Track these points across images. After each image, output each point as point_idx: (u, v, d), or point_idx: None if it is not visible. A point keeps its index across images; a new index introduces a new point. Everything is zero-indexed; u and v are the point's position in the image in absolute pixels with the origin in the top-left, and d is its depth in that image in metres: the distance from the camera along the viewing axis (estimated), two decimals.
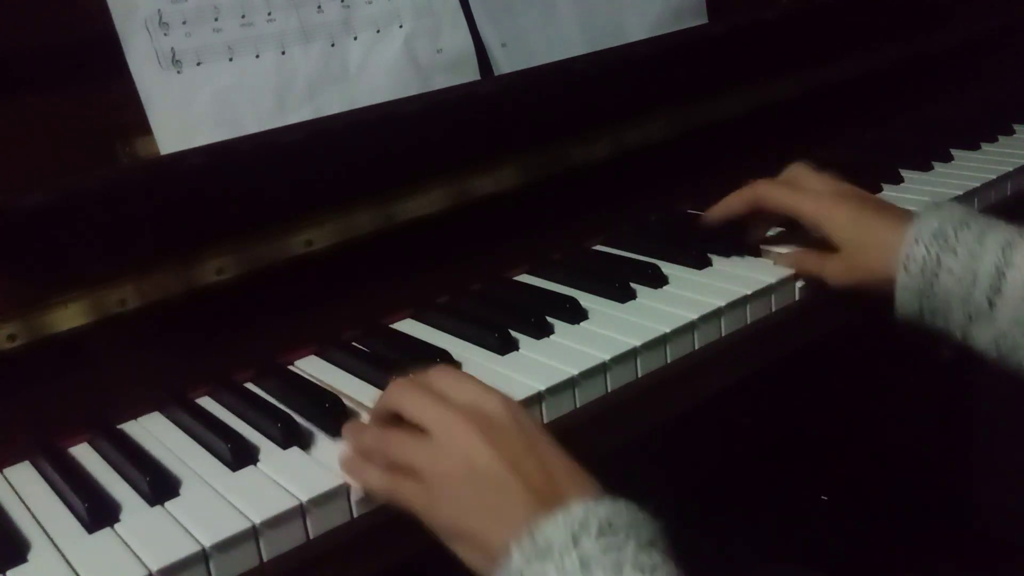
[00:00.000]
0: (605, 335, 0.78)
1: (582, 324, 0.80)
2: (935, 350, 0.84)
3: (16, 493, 0.66)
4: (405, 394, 0.63)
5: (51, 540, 0.60)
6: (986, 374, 0.81)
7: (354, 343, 0.82)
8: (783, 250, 0.90)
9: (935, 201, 0.81)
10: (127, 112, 0.74)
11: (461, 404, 0.61)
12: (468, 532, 0.57)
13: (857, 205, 0.83)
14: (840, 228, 0.82)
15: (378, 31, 0.85)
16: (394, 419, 0.63)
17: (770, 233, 0.93)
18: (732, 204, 0.90)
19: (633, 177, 1.01)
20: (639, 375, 0.76)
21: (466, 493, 0.57)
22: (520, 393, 0.69)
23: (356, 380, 0.76)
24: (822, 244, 0.84)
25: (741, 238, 0.92)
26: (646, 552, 0.52)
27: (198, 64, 0.77)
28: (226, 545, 0.57)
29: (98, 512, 0.61)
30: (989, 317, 0.73)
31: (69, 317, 0.71)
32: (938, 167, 1.13)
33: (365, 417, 0.69)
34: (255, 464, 0.65)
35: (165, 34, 0.75)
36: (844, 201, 0.83)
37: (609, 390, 0.74)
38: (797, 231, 0.88)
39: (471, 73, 0.90)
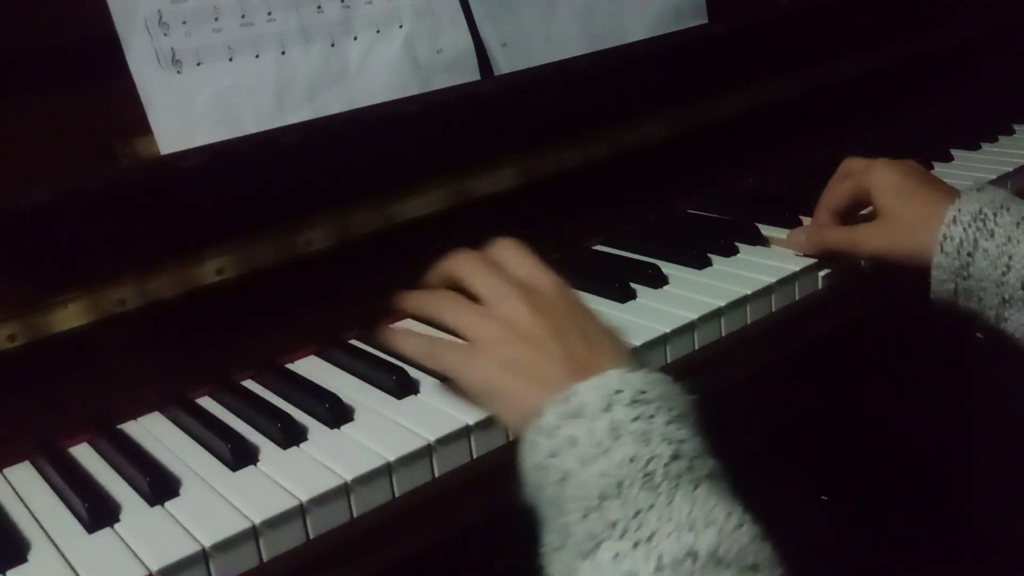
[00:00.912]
0: None
1: None
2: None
3: (16, 493, 0.66)
4: (463, 262, 0.67)
5: (51, 540, 0.60)
6: (986, 374, 0.81)
7: (354, 343, 0.82)
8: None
9: (982, 184, 0.81)
10: (127, 112, 0.74)
11: (516, 277, 0.64)
12: (504, 389, 0.59)
13: (904, 171, 0.83)
14: (885, 191, 0.82)
15: (378, 31, 0.85)
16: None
17: None
18: (821, 217, 0.89)
19: (633, 177, 1.01)
20: None
21: (508, 353, 0.59)
22: None
23: (356, 380, 0.76)
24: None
25: (740, 236, 0.93)
26: (675, 424, 0.53)
27: (198, 64, 0.77)
28: (226, 545, 0.57)
29: (98, 512, 0.61)
30: (1022, 302, 0.74)
31: (69, 317, 0.71)
32: (938, 167, 1.13)
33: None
34: (255, 464, 0.65)
35: (165, 34, 0.75)
36: (895, 167, 0.84)
37: None
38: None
39: (471, 73, 0.90)
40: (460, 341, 0.63)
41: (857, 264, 0.89)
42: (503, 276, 0.64)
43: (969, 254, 0.75)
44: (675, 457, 0.52)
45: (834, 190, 0.88)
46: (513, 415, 0.58)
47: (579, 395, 0.54)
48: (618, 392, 0.54)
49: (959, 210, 0.77)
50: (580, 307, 0.63)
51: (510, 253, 0.67)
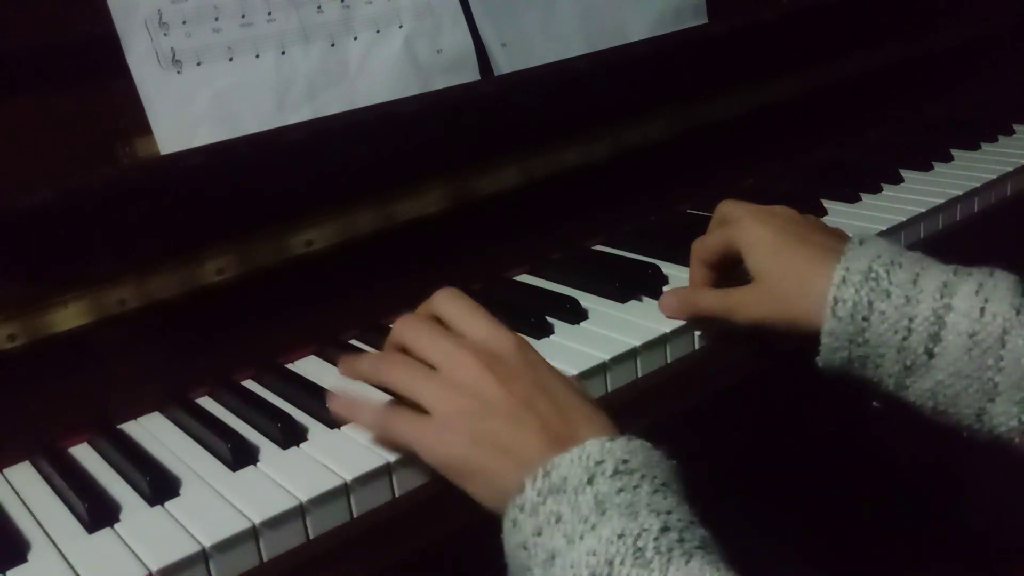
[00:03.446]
0: (605, 335, 0.78)
1: (582, 324, 0.81)
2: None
3: (16, 493, 0.66)
4: (412, 327, 0.63)
5: (51, 540, 0.60)
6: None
7: (354, 343, 0.82)
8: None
9: (860, 236, 0.72)
10: (127, 112, 0.74)
11: (471, 340, 0.61)
12: (479, 468, 0.56)
13: (780, 227, 0.74)
14: (761, 253, 0.73)
15: (378, 31, 0.85)
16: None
17: None
18: (694, 273, 0.80)
19: (633, 177, 1.01)
20: (639, 375, 0.76)
21: (479, 430, 0.57)
22: None
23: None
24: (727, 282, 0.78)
25: None
26: (661, 493, 0.52)
27: (198, 64, 0.77)
28: (226, 545, 0.57)
29: (98, 512, 0.61)
30: (927, 366, 0.66)
31: (69, 317, 0.71)
32: (938, 167, 1.13)
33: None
34: (255, 464, 0.65)
35: (165, 34, 0.75)
36: (768, 224, 0.74)
37: (609, 390, 0.74)
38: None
39: (471, 73, 0.90)
40: (414, 411, 0.60)
41: None
42: (456, 340, 0.61)
43: (864, 318, 0.67)
44: (664, 529, 0.50)
45: (705, 242, 0.78)
46: (490, 493, 0.56)
47: (560, 469, 0.52)
48: (599, 463, 0.52)
49: (847, 269, 0.68)
50: (543, 368, 0.60)
51: (458, 309, 0.63)
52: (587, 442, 0.53)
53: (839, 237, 0.74)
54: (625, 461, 0.52)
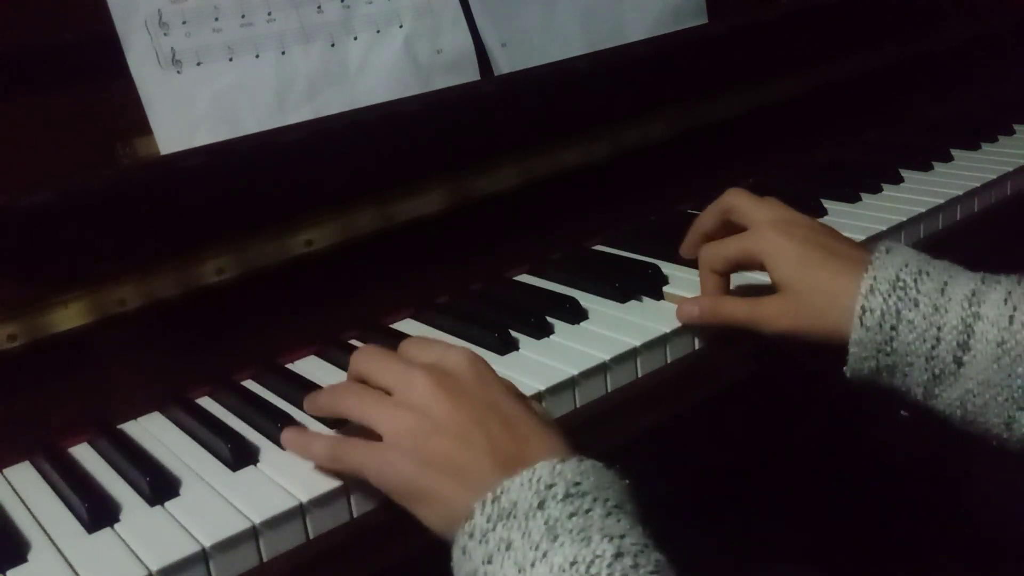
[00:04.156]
0: (605, 335, 0.78)
1: (582, 324, 0.81)
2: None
3: (16, 493, 0.66)
4: (367, 357, 0.62)
5: (51, 540, 0.60)
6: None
7: (354, 343, 0.82)
8: (686, 294, 0.81)
9: (886, 244, 0.72)
10: (127, 112, 0.74)
11: (423, 362, 0.60)
12: (428, 490, 0.55)
13: (806, 239, 0.73)
14: (787, 265, 0.72)
15: (378, 31, 0.85)
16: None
17: None
18: (706, 280, 0.79)
19: (633, 177, 1.01)
20: (639, 375, 0.76)
21: (427, 449, 0.55)
22: None
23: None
24: (744, 290, 0.78)
25: None
26: (613, 516, 0.51)
27: (198, 64, 0.77)
28: (226, 545, 0.57)
29: (98, 512, 0.61)
30: (956, 375, 0.66)
31: (69, 317, 0.71)
32: (938, 167, 1.13)
33: None
34: (255, 464, 0.65)
35: (165, 34, 0.75)
36: (793, 235, 0.74)
37: (609, 390, 0.74)
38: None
39: (471, 73, 0.90)
40: (364, 439, 0.59)
41: None
42: (409, 364, 0.59)
43: (892, 327, 0.67)
44: (618, 555, 0.48)
45: (720, 252, 0.77)
46: (440, 519, 0.55)
47: (509, 493, 0.51)
48: (550, 486, 0.51)
49: (875, 278, 0.68)
50: (496, 386, 0.59)
51: (416, 343, 0.63)
52: (537, 465, 0.52)
53: (859, 246, 0.74)
54: (577, 483, 0.51)
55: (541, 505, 0.50)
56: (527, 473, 0.52)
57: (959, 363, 0.66)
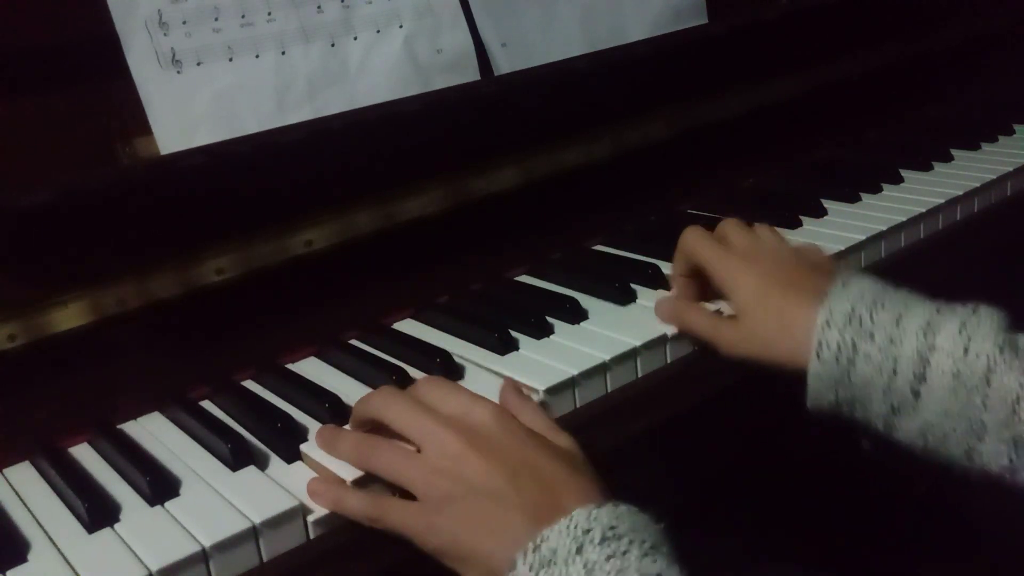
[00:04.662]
0: (605, 335, 0.78)
1: (582, 324, 0.81)
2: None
3: (16, 493, 0.66)
4: (390, 403, 0.63)
5: (51, 540, 0.60)
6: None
7: (354, 343, 0.82)
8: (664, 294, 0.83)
9: (844, 277, 0.71)
10: (127, 112, 0.74)
11: (448, 415, 0.60)
12: (471, 551, 0.56)
13: (765, 271, 0.74)
14: (742, 294, 0.74)
15: (378, 31, 0.85)
16: (374, 429, 0.63)
17: None
18: (677, 264, 0.82)
19: (633, 177, 1.01)
20: (639, 375, 0.76)
21: (465, 511, 0.56)
22: None
23: (356, 381, 0.76)
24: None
25: None
26: (650, 557, 0.52)
27: (198, 64, 0.77)
28: (226, 545, 0.57)
29: (98, 512, 0.61)
30: (914, 407, 0.65)
31: (69, 317, 0.71)
32: (938, 167, 1.13)
33: None
34: (255, 464, 0.65)
35: (165, 34, 0.75)
36: (754, 264, 0.75)
37: (609, 390, 0.74)
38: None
39: (471, 73, 0.90)
40: (401, 499, 0.60)
41: None
42: (437, 418, 0.60)
43: (849, 360, 0.67)
44: None
45: (690, 256, 0.79)
46: (486, 575, 0.55)
47: (549, 541, 0.52)
48: (587, 531, 0.52)
49: (831, 311, 0.68)
50: (523, 436, 0.59)
51: (438, 390, 0.63)
52: (574, 512, 0.53)
53: (827, 273, 0.73)
54: (613, 527, 0.52)
55: (580, 550, 0.51)
56: (565, 521, 0.53)
57: (916, 395, 0.65)
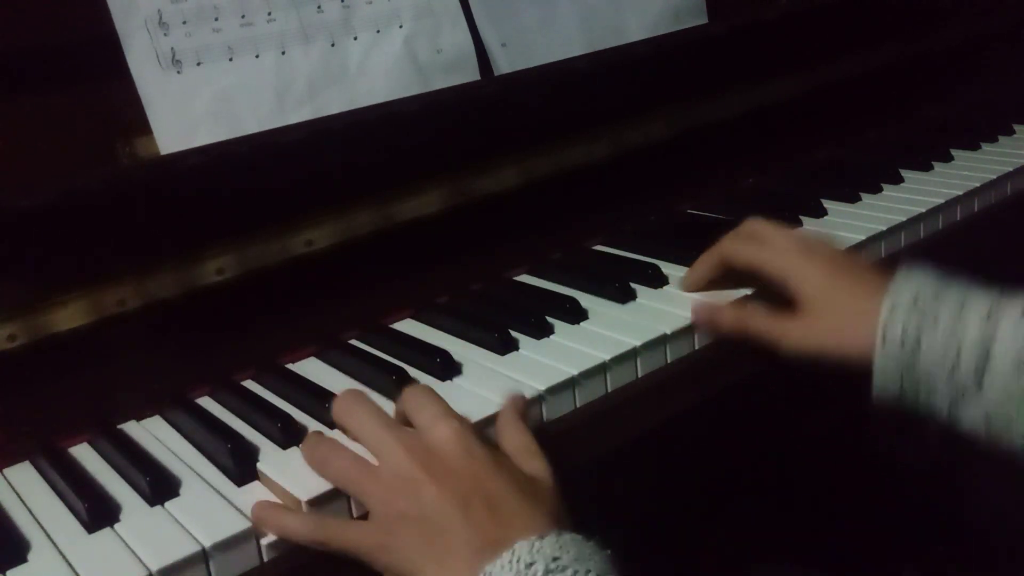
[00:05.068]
0: (605, 335, 0.78)
1: (582, 324, 0.80)
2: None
3: (16, 493, 0.66)
4: (353, 411, 0.62)
5: (51, 540, 0.60)
6: None
7: (354, 343, 0.82)
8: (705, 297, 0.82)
9: (907, 265, 0.72)
10: (127, 112, 0.74)
11: (411, 431, 0.60)
12: (417, 574, 0.55)
13: (830, 261, 0.75)
14: (811, 286, 0.74)
15: (378, 31, 0.85)
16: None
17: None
18: (701, 270, 0.82)
19: (633, 177, 1.01)
20: (639, 375, 0.76)
21: (415, 535, 0.56)
22: None
23: (356, 381, 0.76)
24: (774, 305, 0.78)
25: None
26: None
27: (198, 64, 0.77)
28: (226, 545, 0.57)
29: (98, 512, 0.61)
30: (977, 395, 0.66)
31: (69, 317, 0.71)
32: (938, 167, 1.13)
33: None
34: (255, 464, 0.65)
35: (165, 34, 0.75)
36: (816, 257, 0.76)
37: (609, 390, 0.74)
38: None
39: (471, 73, 0.90)
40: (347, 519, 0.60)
41: None
42: (394, 434, 0.59)
43: (914, 348, 0.67)
44: None
45: (736, 253, 0.79)
46: None
47: None
48: (530, 565, 0.51)
49: (895, 299, 0.69)
50: (483, 461, 0.58)
51: (411, 396, 0.63)
52: (516, 545, 0.52)
53: (877, 269, 0.74)
54: (556, 559, 0.51)
55: None
56: (507, 555, 0.52)
57: (979, 382, 0.66)
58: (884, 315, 0.68)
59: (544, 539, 0.53)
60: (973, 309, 0.67)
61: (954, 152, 1.17)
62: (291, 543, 0.59)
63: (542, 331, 0.79)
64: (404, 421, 0.63)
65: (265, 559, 0.59)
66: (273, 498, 0.61)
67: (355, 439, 0.62)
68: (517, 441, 0.63)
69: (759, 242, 0.79)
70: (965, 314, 0.67)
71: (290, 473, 0.63)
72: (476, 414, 0.67)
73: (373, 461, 0.60)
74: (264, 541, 0.59)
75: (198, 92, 0.76)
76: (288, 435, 0.67)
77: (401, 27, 0.86)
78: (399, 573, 0.56)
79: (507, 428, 0.64)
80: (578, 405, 0.73)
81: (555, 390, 0.71)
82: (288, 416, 0.69)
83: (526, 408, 0.68)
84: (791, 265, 0.75)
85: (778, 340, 0.75)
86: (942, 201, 1.01)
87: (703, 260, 0.83)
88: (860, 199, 1.04)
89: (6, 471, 0.69)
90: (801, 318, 0.74)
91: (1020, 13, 1.39)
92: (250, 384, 0.78)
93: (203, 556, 0.57)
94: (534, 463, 0.61)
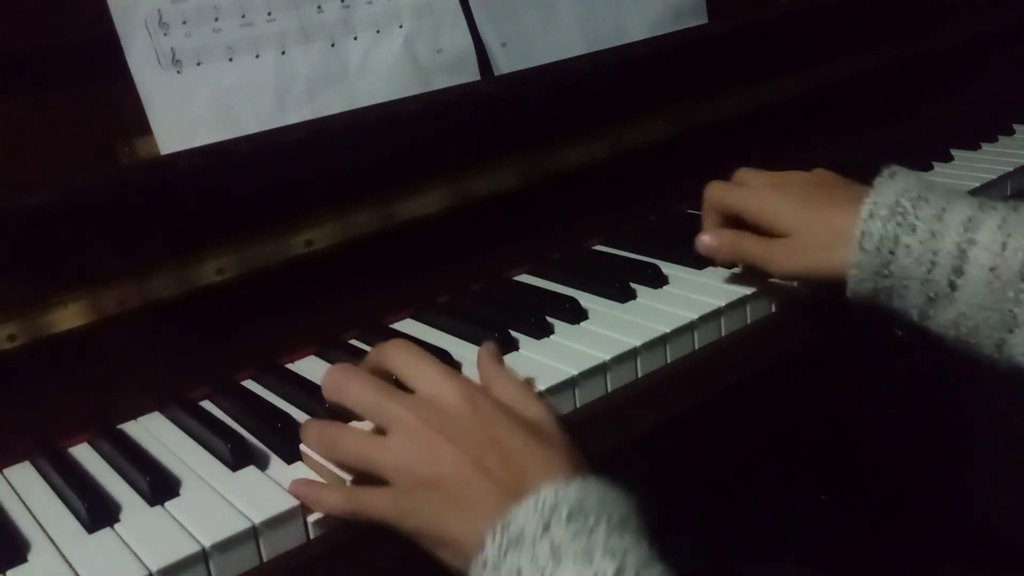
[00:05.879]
0: (605, 335, 0.78)
1: (582, 324, 0.81)
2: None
3: (16, 493, 0.66)
4: (348, 383, 0.62)
5: (51, 540, 0.60)
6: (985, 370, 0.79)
7: (354, 343, 0.82)
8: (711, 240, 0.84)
9: (891, 168, 0.75)
10: (127, 112, 0.74)
11: (414, 397, 0.60)
12: (443, 536, 0.56)
13: (801, 189, 0.79)
14: (785, 214, 0.77)
15: (378, 31, 0.85)
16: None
17: None
18: (707, 225, 0.84)
19: (633, 177, 1.01)
20: (639, 375, 0.76)
21: (436, 495, 0.56)
22: None
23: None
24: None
25: None
26: (617, 534, 0.51)
27: (198, 64, 0.77)
28: (226, 545, 0.57)
29: (98, 512, 0.61)
30: (950, 298, 0.69)
31: (69, 317, 0.71)
32: (938, 167, 1.13)
33: None
34: (255, 464, 0.65)
35: (165, 34, 0.75)
36: (786, 188, 0.79)
37: (609, 390, 0.74)
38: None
39: (471, 73, 0.90)
40: (375, 486, 0.59)
41: None
42: (404, 403, 0.59)
43: (890, 251, 0.70)
44: (619, 571, 0.49)
45: (723, 198, 0.82)
46: (459, 557, 0.55)
47: (517, 520, 0.51)
48: (555, 508, 0.51)
49: (875, 203, 0.71)
50: (491, 415, 0.58)
51: (404, 358, 0.63)
52: (541, 488, 0.52)
53: (851, 183, 0.77)
54: (581, 505, 0.52)
55: (547, 528, 0.51)
56: (532, 497, 0.52)
57: (953, 287, 0.68)
58: (863, 218, 0.71)
59: (570, 484, 0.53)
60: (952, 217, 0.69)
61: (954, 152, 1.17)
62: (340, 518, 0.60)
63: (542, 331, 0.79)
64: (379, 373, 0.63)
65: (265, 559, 0.59)
66: (273, 498, 0.61)
67: (363, 414, 0.61)
68: (511, 389, 0.63)
69: (739, 185, 0.83)
70: (944, 221, 0.69)
71: (291, 473, 0.63)
72: None
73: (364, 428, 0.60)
74: (263, 541, 0.59)
75: (198, 92, 0.76)
76: (288, 435, 0.67)
77: (401, 27, 0.86)
78: (425, 534, 0.57)
79: (496, 378, 0.64)
80: (578, 405, 0.73)
81: (555, 390, 0.71)
82: (288, 416, 0.69)
83: (500, 354, 0.69)
84: (767, 201, 0.79)
85: (767, 265, 0.78)
86: None
87: (704, 217, 0.85)
88: None
89: (6, 471, 0.69)
90: (787, 240, 0.77)
91: (1020, 13, 1.39)
92: (250, 384, 0.78)
93: (203, 556, 0.57)
94: (533, 408, 0.62)
